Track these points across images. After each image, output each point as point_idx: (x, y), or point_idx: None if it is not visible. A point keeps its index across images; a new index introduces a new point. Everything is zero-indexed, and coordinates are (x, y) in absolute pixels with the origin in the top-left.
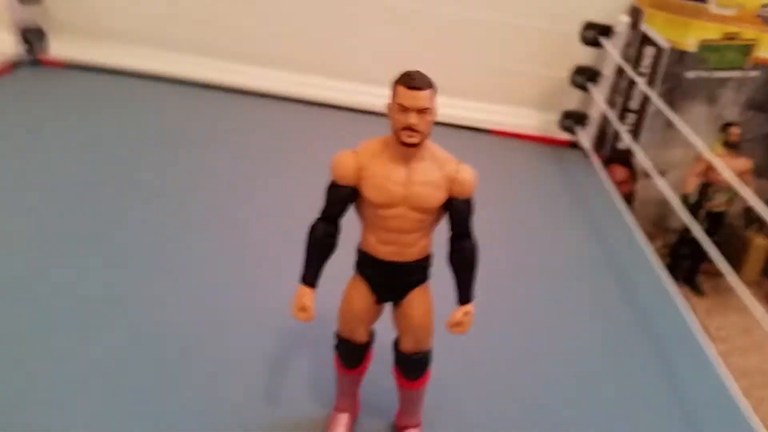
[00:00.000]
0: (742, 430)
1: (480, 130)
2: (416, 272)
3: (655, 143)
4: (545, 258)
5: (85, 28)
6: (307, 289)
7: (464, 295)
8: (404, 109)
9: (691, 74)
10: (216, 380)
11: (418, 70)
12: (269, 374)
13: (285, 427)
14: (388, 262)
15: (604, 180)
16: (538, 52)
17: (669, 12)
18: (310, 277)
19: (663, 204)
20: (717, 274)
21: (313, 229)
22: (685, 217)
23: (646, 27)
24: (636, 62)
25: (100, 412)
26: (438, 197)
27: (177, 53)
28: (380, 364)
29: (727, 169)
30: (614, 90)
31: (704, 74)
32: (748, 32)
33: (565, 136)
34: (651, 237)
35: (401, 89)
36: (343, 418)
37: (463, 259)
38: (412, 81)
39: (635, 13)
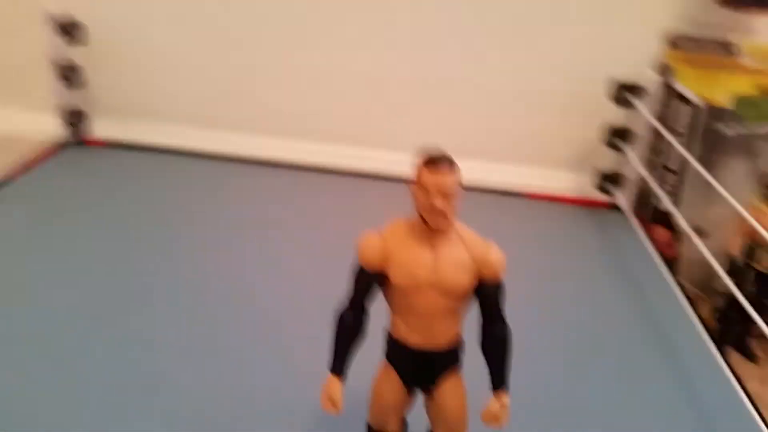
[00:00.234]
0: None
1: (514, 194)
2: (447, 359)
3: (697, 202)
4: (585, 327)
5: (126, 108)
6: (335, 380)
7: (498, 383)
8: (428, 193)
9: (729, 130)
10: None
11: (441, 151)
12: None
13: None
14: (418, 350)
15: (644, 242)
16: (567, 114)
17: (700, 68)
18: (338, 367)
19: (710, 265)
20: None
21: (341, 317)
22: (727, 280)
23: (678, 84)
24: (671, 120)
25: None
26: (466, 280)
27: (214, 130)
28: None
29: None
30: (652, 149)
31: (742, 130)
32: None
33: (602, 197)
34: (699, 300)
35: (425, 173)
36: None
37: (496, 345)
38: (435, 165)
39: (666, 71)
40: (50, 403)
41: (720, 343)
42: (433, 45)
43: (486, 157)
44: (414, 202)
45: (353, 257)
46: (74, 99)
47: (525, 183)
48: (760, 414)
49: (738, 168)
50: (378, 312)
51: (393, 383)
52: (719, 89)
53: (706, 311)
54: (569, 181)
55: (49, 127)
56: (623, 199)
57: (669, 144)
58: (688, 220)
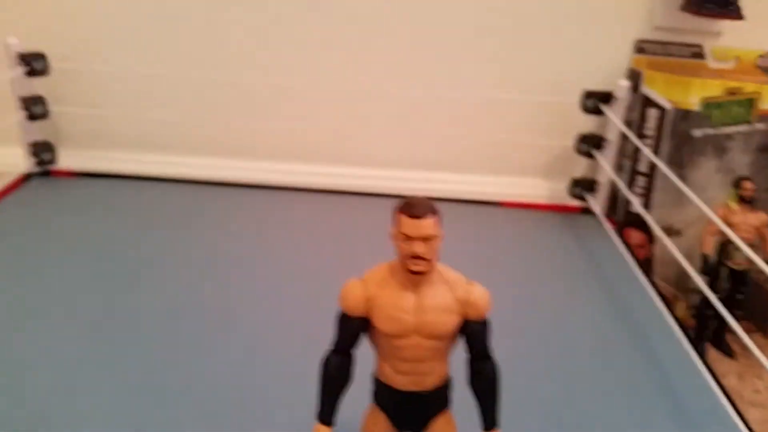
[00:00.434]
0: None
1: (489, 203)
2: (437, 400)
3: (668, 203)
4: (562, 328)
5: (93, 137)
6: (323, 429)
7: (488, 421)
8: (408, 238)
9: (697, 132)
10: None
11: (419, 197)
12: None
13: None
14: (406, 392)
15: (618, 245)
16: (541, 124)
17: (667, 72)
18: (326, 415)
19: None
20: (747, 333)
21: (327, 363)
22: (698, 280)
23: (646, 89)
24: (640, 125)
25: None
26: (451, 322)
27: (183, 156)
28: None
29: (744, 225)
30: (622, 153)
31: (711, 131)
32: (749, 86)
33: (576, 203)
34: (674, 299)
35: (404, 219)
36: None
37: (485, 382)
38: (414, 210)
39: (634, 76)
40: None
41: (697, 340)
42: (406, 58)
43: (461, 169)
44: (395, 248)
45: (336, 302)
46: (39, 130)
47: (500, 192)
48: (736, 409)
49: (707, 166)
50: (364, 355)
51: (381, 426)
52: (687, 93)
53: (682, 309)
54: (543, 189)
55: (15, 160)
56: (596, 204)
57: (638, 148)
58: (660, 221)
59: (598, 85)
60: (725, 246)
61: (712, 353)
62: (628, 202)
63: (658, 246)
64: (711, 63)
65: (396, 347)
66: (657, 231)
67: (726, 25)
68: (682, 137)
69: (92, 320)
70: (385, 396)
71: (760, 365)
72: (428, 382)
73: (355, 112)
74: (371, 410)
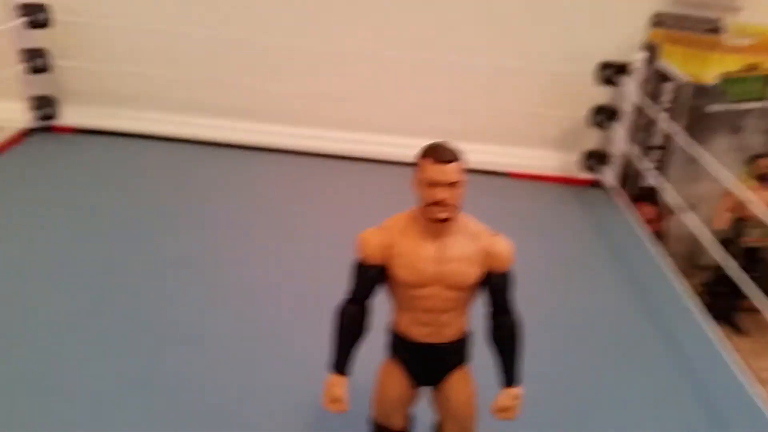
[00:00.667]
0: None
1: (500, 174)
2: (455, 353)
3: (682, 178)
4: (575, 305)
5: (95, 94)
6: (338, 378)
7: (509, 377)
8: (433, 184)
9: (713, 108)
10: None
11: (444, 142)
12: None
13: None
14: (424, 344)
15: (631, 218)
16: (554, 94)
17: (686, 46)
18: (341, 365)
19: (697, 240)
20: (759, 311)
21: (342, 313)
22: (717, 253)
23: (664, 62)
24: (655, 98)
25: None
26: (473, 273)
27: (185, 115)
28: None
29: (760, 202)
30: (636, 127)
31: (726, 107)
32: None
33: (586, 175)
34: (686, 275)
35: (428, 164)
36: None
37: (506, 337)
38: (439, 155)
39: (651, 49)
40: (28, 412)
41: (709, 316)
42: (422, 29)
43: (473, 138)
44: (417, 194)
45: (354, 251)
46: (41, 84)
47: (510, 163)
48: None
49: (720, 143)
50: (380, 306)
51: (398, 378)
52: (704, 67)
53: (693, 286)
54: (555, 161)
55: (16, 114)
56: (609, 176)
57: (653, 121)
58: (674, 196)
59: (612, 58)
60: (739, 223)
61: (724, 330)
62: (639, 176)
63: (669, 221)
64: (730, 39)
65: (415, 297)
66: (675, 204)
67: (747, 1)
68: (697, 113)
69: (86, 273)
70: (401, 348)
71: None
72: (447, 334)
73: (362, 77)
74: (387, 363)
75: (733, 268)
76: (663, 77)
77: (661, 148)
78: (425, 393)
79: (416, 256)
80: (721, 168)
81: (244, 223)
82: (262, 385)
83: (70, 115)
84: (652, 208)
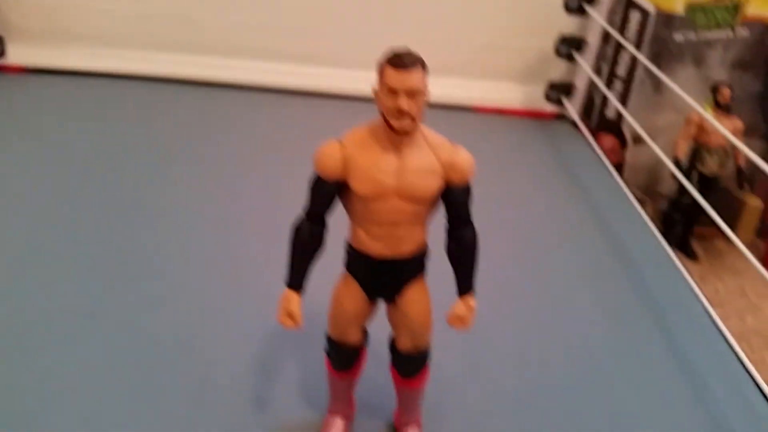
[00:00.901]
0: (750, 393)
1: (464, 108)
2: (412, 267)
3: (643, 109)
4: (539, 232)
5: (45, 31)
6: (293, 294)
7: (465, 287)
8: (393, 92)
9: (678, 37)
10: (203, 387)
11: (407, 47)
12: (259, 379)
13: None
14: (381, 258)
15: (593, 149)
16: (520, 24)
17: None
18: (296, 281)
19: (653, 170)
20: (710, 238)
21: (298, 229)
22: (679, 178)
23: None
24: (622, 28)
25: (82, 424)
26: (433, 185)
27: (142, 51)
28: (377, 361)
29: (721, 127)
30: (600, 57)
31: (692, 36)
32: None
33: (551, 108)
34: (642, 204)
35: (389, 70)
36: (338, 422)
37: (464, 249)
38: (400, 61)
39: None
40: None
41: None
42: None
43: (436, 72)
44: (377, 103)
45: (311, 169)
46: None
47: (474, 96)
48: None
49: (684, 74)
50: (337, 223)
51: (353, 293)
52: None
53: (650, 214)
54: (519, 93)
55: None
56: (572, 108)
57: (618, 51)
58: (635, 127)
59: None
60: (697, 151)
61: (678, 256)
62: (602, 108)
63: (629, 151)
64: None
65: (372, 211)
66: (638, 131)
67: None
68: (663, 43)
69: (40, 212)
70: (358, 263)
71: (722, 267)
72: (404, 248)
73: (322, 9)
74: (343, 278)
75: (689, 196)
76: (630, 6)
77: (625, 79)
78: (381, 308)
79: (375, 168)
80: (683, 95)
81: (205, 159)
82: (219, 314)
83: (18, 55)
84: (613, 138)
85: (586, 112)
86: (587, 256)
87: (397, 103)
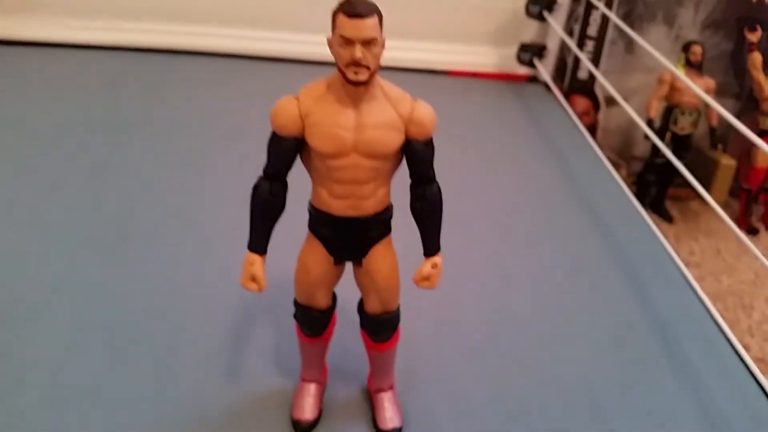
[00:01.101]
0: (725, 352)
1: (434, 72)
2: (376, 227)
3: (615, 70)
4: (513, 196)
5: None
6: (255, 257)
7: (431, 246)
8: (347, 42)
9: None
10: (171, 357)
11: None
12: (228, 347)
13: (249, 403)
14: (344, 218)
15: (566, 111)
16: None
17: None
18: (258, 243)
19: (626, 132)
20: (684, 199)
21: (257, 189)
22: (653, 138)
23: None
24: None
25: (47, 395)
26: (393, 141)
27: (107, 20)
28: (347, 326)
29: (695, 86)
30: (571, 18)
31: None
32: None
33: (523, 70)
34: (615, 166)
35: (342, 19)
36: (311, 388)
37: (428, 207)
38: (353, 8)
39: None
40: None
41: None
42: None
43: (404, 36)
44: (333, 55)
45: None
46: None
47: (446, 60)
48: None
49: (655, 34)
50: (302, 184)
51: (318, 255)
52: None
53: (623, 176)
54: (492, 56)
55: None
56: (544, 70)
57: (588, 10)
58: (608, 88)
59: None
60: (670, 111)
61: (652, 218)
62: (574, 69)
63: (602, 113)
64: None
65: (333, 168)
66: (611, 92)
67: None
68: (633, 2)
69: (13, 183)
70: (322, 224)
71: (696, 229)
72: (368, 206)
73: None
74: (308, 240)
75: (664, 156)
76: None
77: (596, 39)
78: (347, 271)
79: (333, 123)
80: (655, 53)
81: (171, 127)
82: (188, 282)
83: None
84: (586, 100)
85: (559, 74)
86: (560, 217)
87: (351, 53)
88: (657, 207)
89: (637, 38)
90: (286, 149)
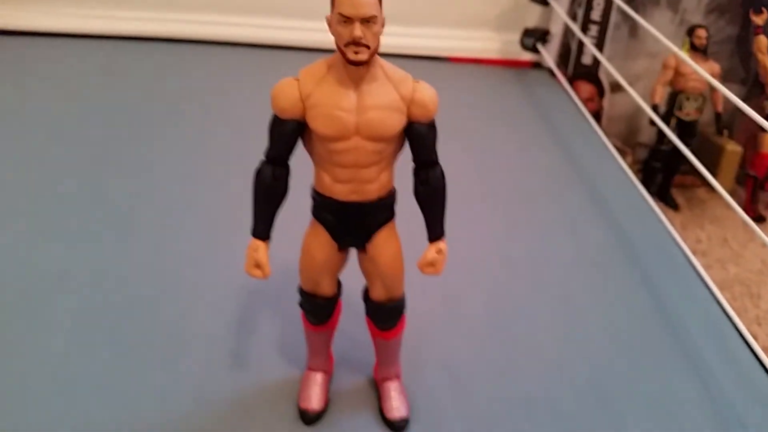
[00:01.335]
0: (732, 341)
1: (438, 59)
2: (380, 211)
3: (619, 55)
4: (519, 183)
5: None
6: (259, 243)
7: (435, 231)
8: (346, 20)
9: None
10: (176, 347)
11: None
12: (234, 337)
13: (255, 393)
14: (347, 202)
15: (571, 97)
16: None
17: None
18: (261, 229)
19: (632, 119)
20: (690, 187)
21: (259, 174)
22: (658, 123)
23: None
24: None
25: (51, 385)
26: (395, 122)
27: (104, 9)
28: (353, 315)
29: (700, 69)
30: (574, 1)
31: None
32: None
33: (527, 56)
34: (621, 153)
35: None
36: (318, 377)
37: (431, 191)
38: None
39: None
40: None
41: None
42: None
43: (407, 21)
44: (332, 34)
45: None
46: None
47: (449, 47)
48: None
49: (659, 18)
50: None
51: (322, 241)
52: None
53: (629, 163)
54: (495, 42)
55: None
56: (548, 56)
57: None
58: (612, 73)
59: None
60: (675, 96)
61: (658, 206)
62: (578, 55)
63: (607, 100)
64: None
65: (335, 152)
66: (616, 77)
67: None
68: None
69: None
70: (325, 209)
71: (703, 216)
72: (370, 191)
73: None
74: (311, 227)
75: (671, 142)
76: None
77: (600, 23)
78: (352, 257)
79: (334, 105)
80: (660, 37)
81: (174, 115)
82: (192, 271)
83: None
84: (590, 86)
85: (563, 59)
86: (565, 204)
87: (350, 32)
88: (663, 194)
89: (641, 21)
90: (287, 132)
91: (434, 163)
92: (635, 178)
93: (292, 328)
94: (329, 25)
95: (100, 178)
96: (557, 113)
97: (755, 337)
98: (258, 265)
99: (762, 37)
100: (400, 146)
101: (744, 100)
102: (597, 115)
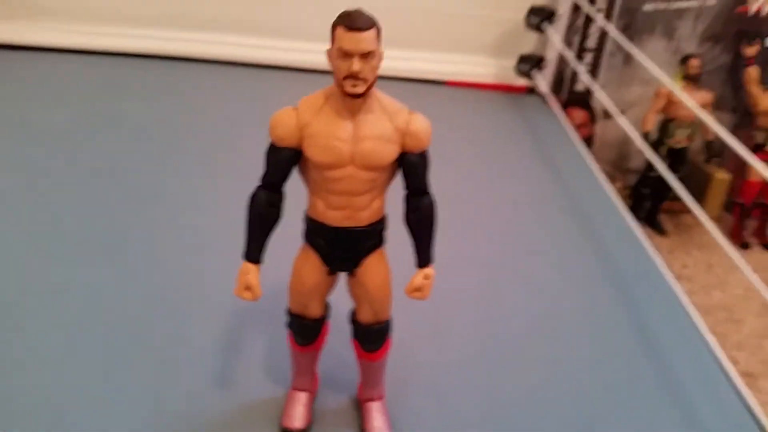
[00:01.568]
0: (710, 366)
1: (433, 82)
2: (370, 237)
3: (613, 82)
4: (507, 208)
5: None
6: (251, 266)
7: (423, 258)
8: (346, 55)
9: (648, 6)
10: (165, 366)
11: (358, 8)
12: (221, 356)
13: (240, 411)
14: (340, 228)
15: (563, 124)
16: None
17: None
18: (253, 253)
19: (623, 145)
20: (678, 212)
21: (254, 199)
22: (647, 152)
23: None
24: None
25: (43, 403)
26: (389, 153)
27: (110, 26)
28: (339, 335)
29: (691, 100)
30: (570, 30)
31: (662, 6)
32: None
33: (521, 81)
34: (611, 179)
35: (341, 32)
36: (302, 397)
37: (421, 218)
38: (352, 21)
39: None
40: None
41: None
42: None
43: (403, 45)
44: (331, 67)
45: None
46: None
47: (445, 70)
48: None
49: (654, 46)
50: (298, 194)
51: (313, 265)
52: None
53: (619, 189)
54: (490, 67)
55: None
56: (542, 82)
57: (588, 22)
58: (605, 100)
59: None
60: (666, 124)
61: (646, 231)
62: (572, 81)
63: (599, 126)
64: None
65: (329, 179)
66: (607, 105)
67: None
68: (632, 13)
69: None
70: (317, 234)
71: (690, 242)
72: (363, 217)
73: None
74: (302, 251)
75: (658, 170)
76: None
77: (595, 50)
78: (341, 280)
79: (331, 135)
80: (653, 67)
81: (171, 133)
82: (182, 291)
83: None
84: (583, 112)
85: (557, 85)
86: (553, 229)
87: (349, 66)
88: (651, 220)
89: (634, 52)
90: (283, 160)
91: (425, 191)
92: (622, 205)
93: (278, 347)
94: (329, 57)
95: (99, 193)
96: (549, 138)
97: (735, 362)
98: (248, 288)
99: (752, 68)
100: (393, 175)
101: (734, 129)
102: (589, 141)
